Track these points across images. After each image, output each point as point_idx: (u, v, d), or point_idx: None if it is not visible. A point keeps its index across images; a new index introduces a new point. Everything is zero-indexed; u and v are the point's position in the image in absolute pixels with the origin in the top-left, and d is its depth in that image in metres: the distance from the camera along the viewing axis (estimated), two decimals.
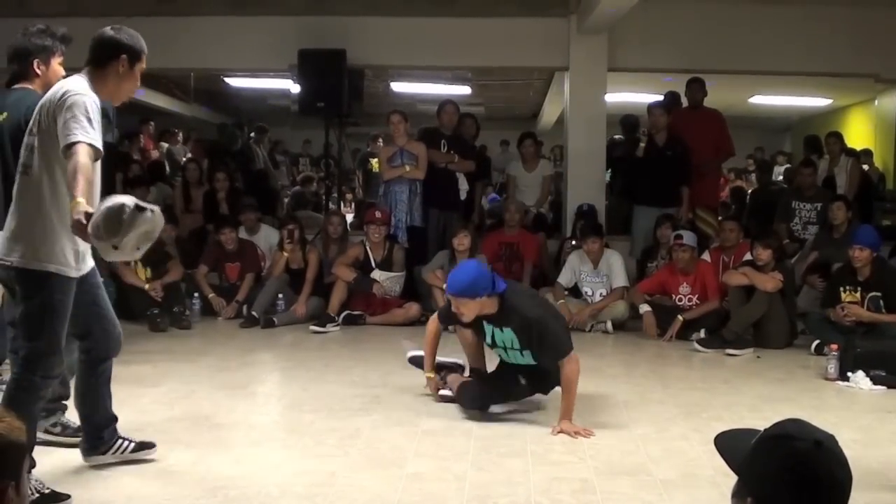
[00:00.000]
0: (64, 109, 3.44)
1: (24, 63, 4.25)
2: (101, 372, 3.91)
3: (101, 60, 3.66)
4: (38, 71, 4.22)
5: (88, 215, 3.22)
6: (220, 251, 8.38)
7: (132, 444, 4.03)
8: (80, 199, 3.26)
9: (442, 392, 5.16)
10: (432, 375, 5.25)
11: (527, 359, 4.81)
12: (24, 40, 4.23)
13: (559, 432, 4.53)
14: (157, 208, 3.43)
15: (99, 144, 3.47)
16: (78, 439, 4.09)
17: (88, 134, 3.42)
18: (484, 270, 4.78)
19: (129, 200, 3.28)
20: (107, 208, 3.23)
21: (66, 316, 3.58)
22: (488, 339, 4.95)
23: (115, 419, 4.02)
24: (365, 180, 13.88)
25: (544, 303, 5.39)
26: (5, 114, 4.16)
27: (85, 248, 3.64)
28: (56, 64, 4.24)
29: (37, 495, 3.46)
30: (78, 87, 3.53)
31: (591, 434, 4.51)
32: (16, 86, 4.24)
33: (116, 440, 3.99)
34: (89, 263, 3.76)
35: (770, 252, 7.11)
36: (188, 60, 9.84)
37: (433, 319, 5.27)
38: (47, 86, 3.94)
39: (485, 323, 4.84)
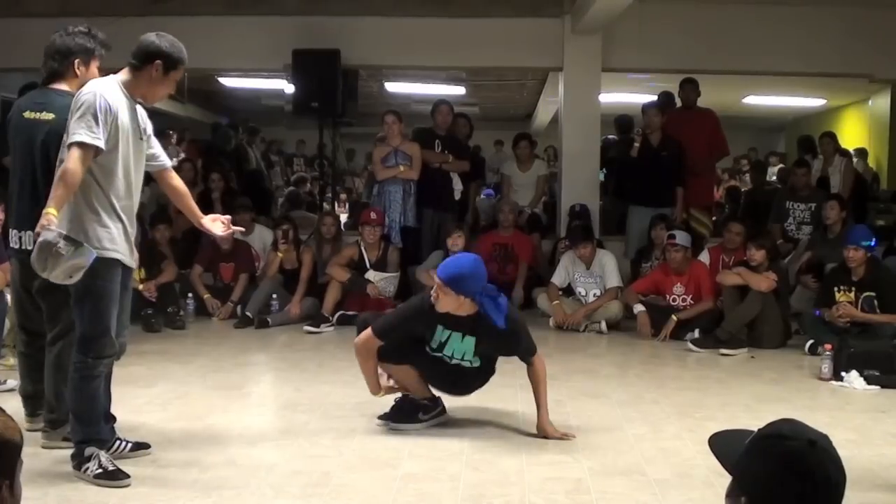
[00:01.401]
0: (74, 109, 3.65)
1: (64, 62, 4.23)
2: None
3: (139, 63, 3.83)
4: (78, 71, 4.22)
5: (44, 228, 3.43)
6: (215, 251, 8.37)
7: (128, 445, 4.05)
8: (49, 210, 3.48)
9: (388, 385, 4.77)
10: (381, 394, 4.73)
11: (470, 364, 4.61)
12: (67, 39, 4.23)
13: (544, 437, 4.49)
14: (85, 245, 3.56)
15: (94, 141, 3.59)
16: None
17: (85, 133, 3.56)
18: (481, 271, 4.49)
19: (57, 238, 3.43)
20: (38, 243, 3.44)
21: (115, 299, 3.80)
22: (433, 344, 4.55)
23: (113, 419, 4.07)
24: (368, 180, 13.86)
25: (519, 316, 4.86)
26: (53, 115, 4.14)
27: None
28: (94, 67, 4.28)
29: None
30: (92, 86, 3.72)
31: (572, 437, 4.49)
32: (53, 85, 4.24)
33: (115, 441, 4.01)
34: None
35: (764, 252, 7.13)
36: None
37: (367, 337, 4.52)
38: (82, 87, 3.94)
39: (441, 327, 4.50)
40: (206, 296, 8.24)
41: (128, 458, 3.97)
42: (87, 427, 3.82)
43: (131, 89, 3.84)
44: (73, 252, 3.45)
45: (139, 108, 3.92)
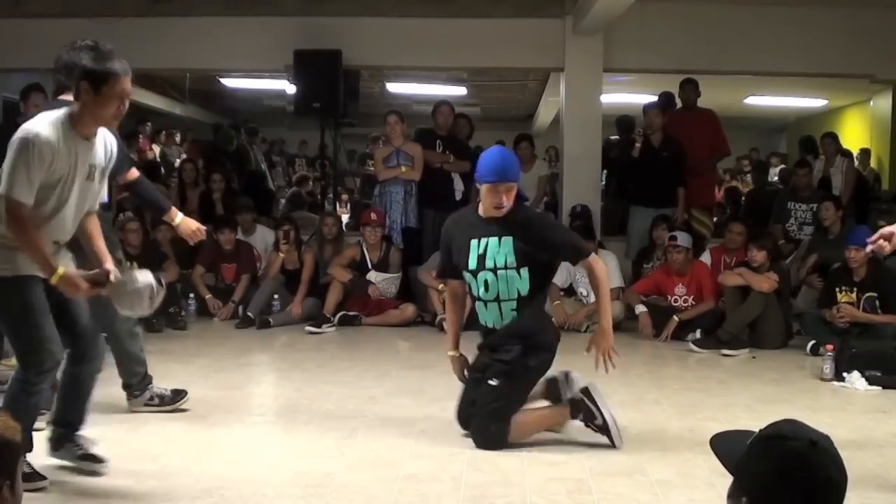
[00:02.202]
0: (10, 147, 3.44)
1: (70, 76, 4.27)
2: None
3: (72, 89, 3.62)
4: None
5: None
6: (217, 252, 8.38)
7: (81, 450, 3.90)
8: (58, 273, 3.47)
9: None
10: (456, 354, 4.63)
11: (515, 284, 4.29)
12: (73, 55, 4.28)
13: (591, 348, 4.35)
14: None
15: (21, 197, 3.39)
16: (178, 403, 4.88)
17: (13, 187, 3.38)
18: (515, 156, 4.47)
19: (152, 281, 3.60)
20: (137, 290, 3.60)
21: (40, 312, 3.60)
22: (472, 264, 4.34)
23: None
24: (363, 182, 13.87)
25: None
26: None
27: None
28: None
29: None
30: (31, 127, 3.45)
31: (616, 356, 4.35)
32: (62, 97, 4.37)
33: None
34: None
35: (765, 253, 7.13)
36: (183, 61, 9.84)
37: (449, 284, 4.61)
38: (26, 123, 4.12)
39: (475, 241, 4.32)
40: (208, 296, 8.24)
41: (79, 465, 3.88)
42: None
43: (77, 123, 3.53)
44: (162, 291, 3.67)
45: (97, 142, 3.66)
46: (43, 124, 3.47)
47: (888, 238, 3.86)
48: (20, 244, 3.46)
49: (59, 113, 3.54)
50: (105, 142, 3.73)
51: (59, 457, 3.88)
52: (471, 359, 4.60)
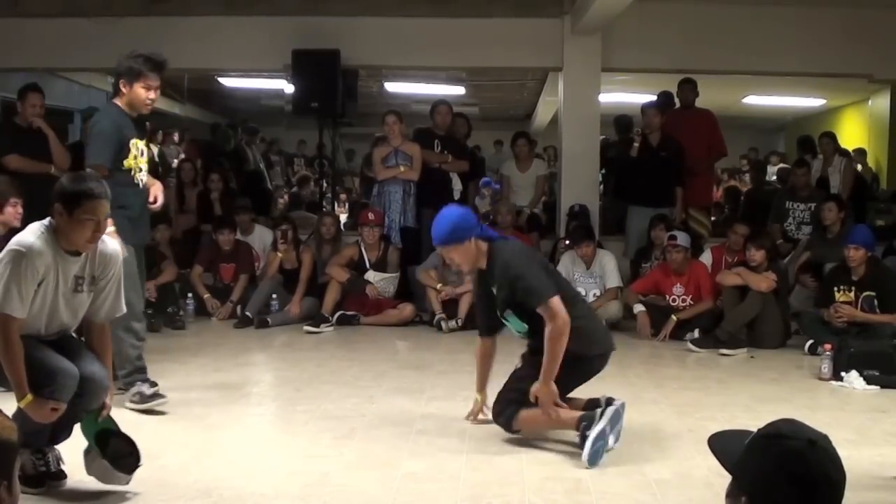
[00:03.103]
0: (1, 258, 3.42)
1: (116, 82, 5.04)
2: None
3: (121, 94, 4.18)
4: (124, 90, 4.96)
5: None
6: (216, 251, 8.38)
7: (43, 464, 3.70)
8: (28, 397, 3.40)
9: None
10: (478, 396, 4.74)
11: (516, 324, 4.39)
12: (129, 62, 4.91)
13: (533, 394, 4.21)
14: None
15: (9, 310, 3.35)
16: (152, 404, 4.86)
17: (6, 302, 3.36)
18: (466, 213, 4.41)
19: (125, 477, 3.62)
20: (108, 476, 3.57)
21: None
22: (499, 310, 4.44)
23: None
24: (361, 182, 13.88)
25: (533, 254, 4.68)
26: None
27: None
28: (139, 87, 4.93)
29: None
30: (22, 236, 3.45)
31: (563, 407, 4.21)
32: (114, 100, 5.09)
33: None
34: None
35: (763, 253, 7.13)
36: (182, 60, 9.75)
37: (479, 339, 4.71)
38: (131, 104, 4.96)
39: (488, 286, 4.42)
40: (206, 295, 8.25)
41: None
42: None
43: (60, 241, 3.48)
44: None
45: (87, 256, 3.58)
46: (33, 236, 3.43)
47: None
48: (2, 357, 3.39)
49: (44, 225, 3.48)
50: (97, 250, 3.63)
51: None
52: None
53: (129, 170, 4.91)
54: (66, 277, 3.53)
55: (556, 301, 4.15)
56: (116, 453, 3.65)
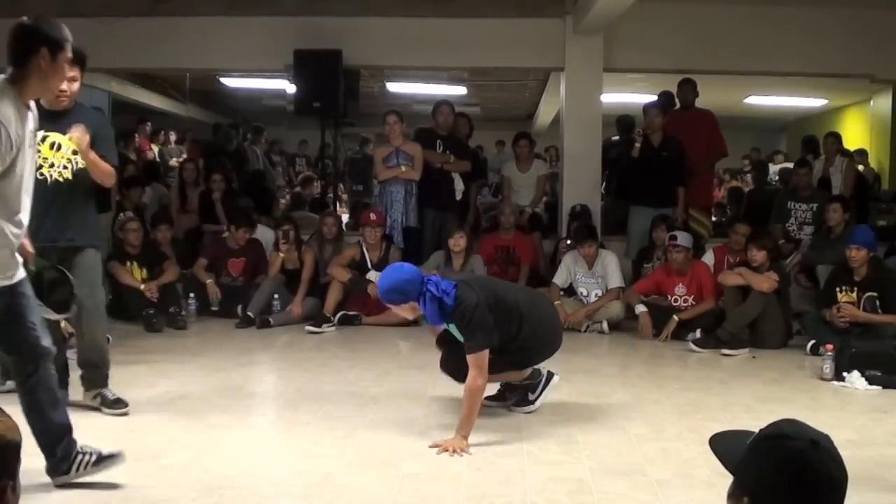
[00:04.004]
0: None
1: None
2: (33, 384, 3.59)
3: (20, 57, 3.36)
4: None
5: None
6: (222, 248, 8.40)
7: (93, 457, 3.67)
8: None
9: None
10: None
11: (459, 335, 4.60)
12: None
13: (435, 445, 4.28)
14: None
15: None
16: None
17: None
18: (409, 276, 4.50)
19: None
20: None
21: None
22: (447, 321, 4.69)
23: (68, 429, 3.68)
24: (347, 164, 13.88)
25: (494, 291, 4.68)
26: None
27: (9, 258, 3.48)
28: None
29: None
30: None
31: (465, 452, 4.22)
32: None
33: (76, 456, 3.65)
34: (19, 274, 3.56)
35: (765, 253, 7.13)
36: (184, 61, 9.85)
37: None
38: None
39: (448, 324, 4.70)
40: (209, 281, 8.25)
41: (97, 472, 3.73)
42: None
43: (22, 92, 3.37)
44: None
45: (32, 112, 3.49)
46: None
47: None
48: None
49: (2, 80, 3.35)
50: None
51: (76, 478, 3.66)
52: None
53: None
54: (26, 131, 3.40)
55: (486, 355, 4.36)
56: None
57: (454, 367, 4.69)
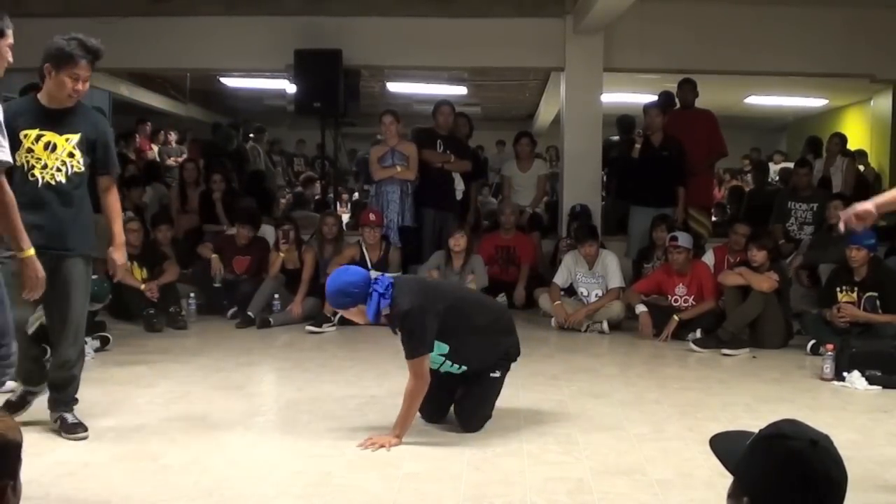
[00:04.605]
0: None
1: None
2: None
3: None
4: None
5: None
6: (231, 244, 8.40)
7: None
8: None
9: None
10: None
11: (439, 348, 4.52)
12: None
13: (361, 444, 4.30)
14: None
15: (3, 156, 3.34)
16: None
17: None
18: (354, 278, 4.40)
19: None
20: None
21: None
22: None
23: None
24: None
25: (431, 294, 4.56)
26: None
27: None
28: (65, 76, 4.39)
29: None
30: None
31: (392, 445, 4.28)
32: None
33: None
34: None
35: (765, 253, 7.12)
36: (184, 60, 9.85)
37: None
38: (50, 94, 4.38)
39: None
40: (214, 256, 8.28)
41: None
42: None
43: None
44: None
45: None
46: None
47: (863, 217, 3.76)
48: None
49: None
50: None
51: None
52: None
53: (21, 165, 4.24)
54: None
55: (424, 362, 4.33)
56: None
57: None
